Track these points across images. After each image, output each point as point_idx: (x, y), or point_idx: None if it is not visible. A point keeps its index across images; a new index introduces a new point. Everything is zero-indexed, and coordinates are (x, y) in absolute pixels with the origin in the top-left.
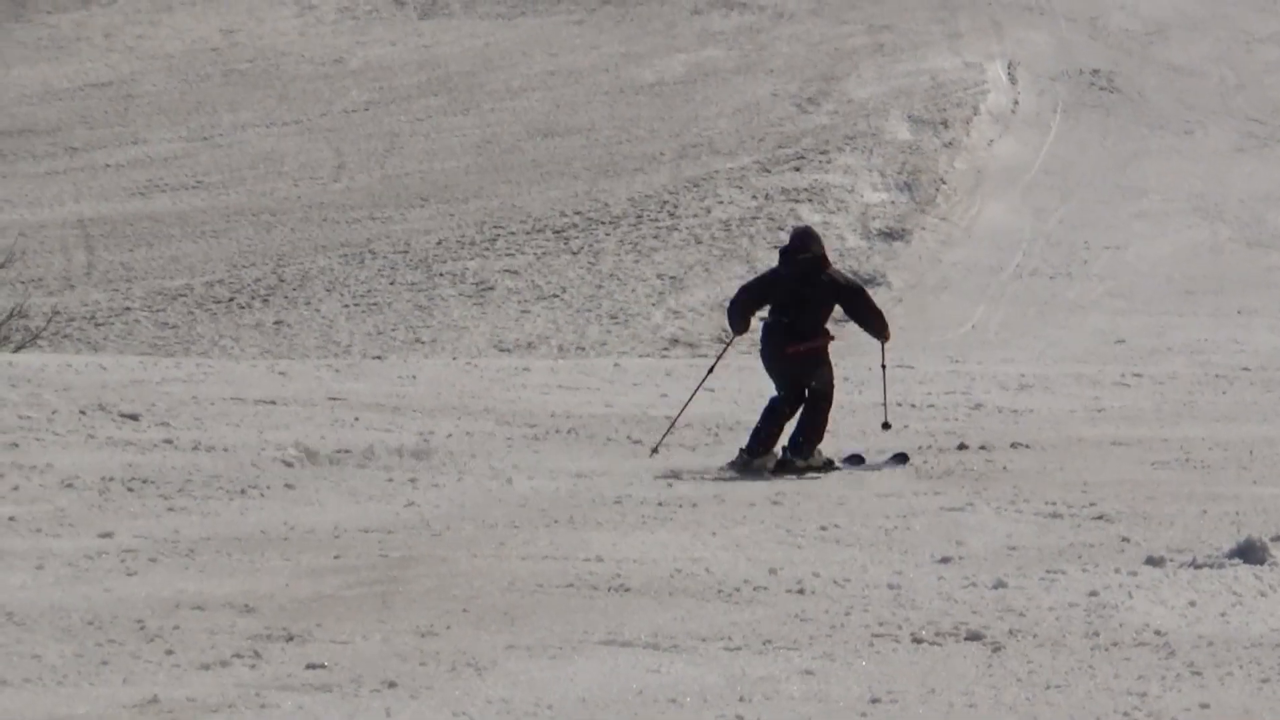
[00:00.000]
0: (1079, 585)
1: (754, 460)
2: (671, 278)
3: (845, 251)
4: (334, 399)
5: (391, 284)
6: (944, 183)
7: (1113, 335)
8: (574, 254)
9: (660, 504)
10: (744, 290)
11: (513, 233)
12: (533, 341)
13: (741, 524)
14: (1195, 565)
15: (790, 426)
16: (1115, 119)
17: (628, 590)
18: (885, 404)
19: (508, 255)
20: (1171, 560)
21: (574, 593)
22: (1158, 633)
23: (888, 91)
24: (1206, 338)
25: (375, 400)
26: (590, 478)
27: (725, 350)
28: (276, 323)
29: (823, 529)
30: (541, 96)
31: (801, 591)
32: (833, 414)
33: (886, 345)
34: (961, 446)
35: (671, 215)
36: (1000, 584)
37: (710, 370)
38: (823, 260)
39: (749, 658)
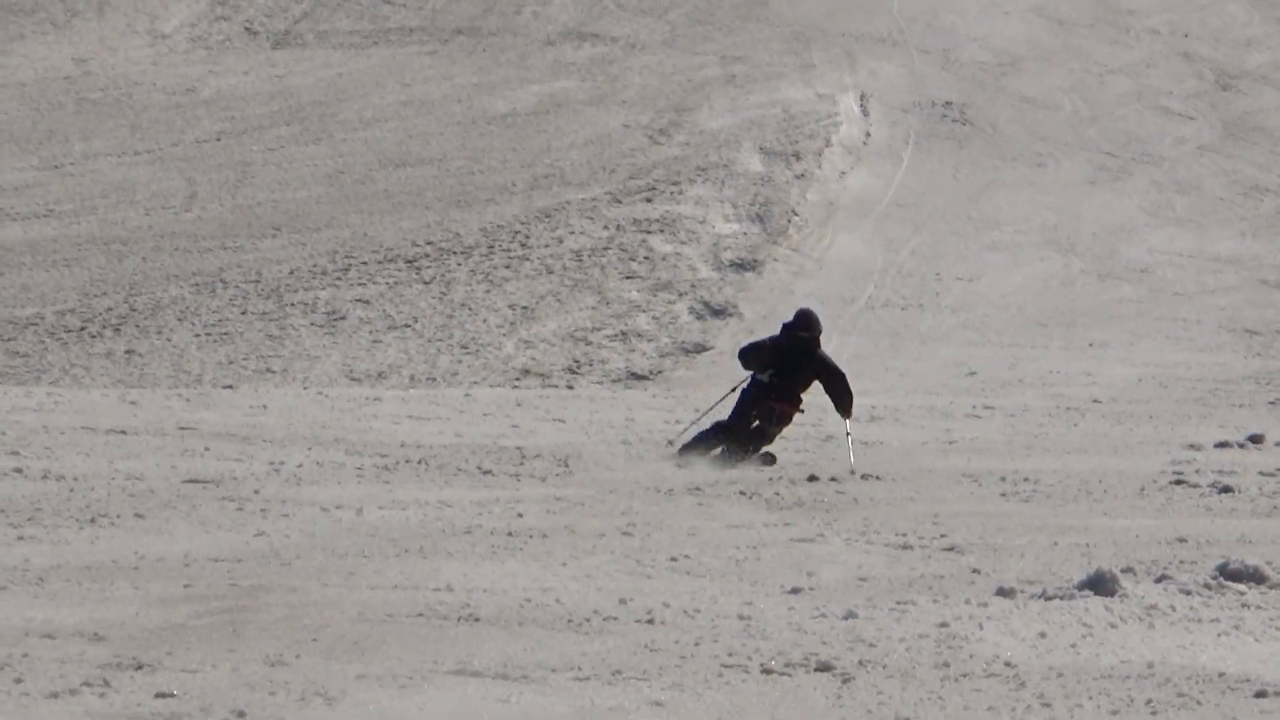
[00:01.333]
0: (929, 616)
1: (688, 455)
2: (523, 308)
3: (697, 282)
4: (184, 428)
5: (243, 313)
6: (796, 214)
7: (964, 367)
8: (426, 284)
9: (510, 534)
10: (756, 345)
11: (364, 262)
12: (384, 371)
13: (592, 554)
14: (1045, 597)
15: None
16: (967, 151)
17: (478, 620)
18: (850, 456)
19: (359, 285)
20: (1022, 592)
21: (424, 622)
22: (1008, 664)
23: (740, 123)
24: (1058, 370)
25: (226, 430)
26: (441, 508)
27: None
28: (128, 352)
29: (673, 560)
30: (394, 126)
31: (651, 622)
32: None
33: (848, 420)
34: (812, 478)
35: (523, 245)
36: (850, 615)
37: (722, 399)
38: (816, 342)
39: (598, 688)
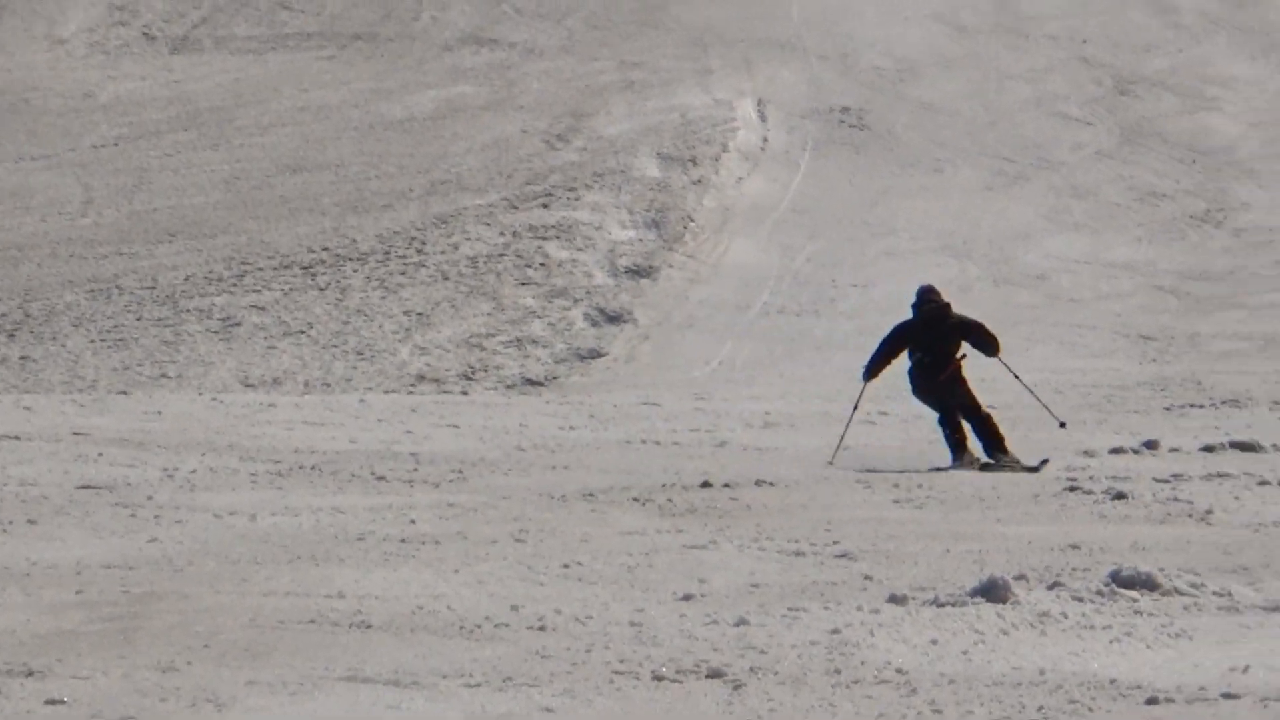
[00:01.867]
0: (821, 623)
1: (963, 462)
2: (419, 314)
3: (592, 289)
4: (78, 434)
5: (138, 319)
6: (692, 220)
7: (859, 373)
8: (321, 290)
9: (403, 540)
10: (897, 334)
11: (260, 269)
12: (279, 377)
13: (484, 561)
14: (938, 603)
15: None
16: (865, 157)
17: (369, 627)
18: (1043, 404)
19: (255, 291)
20: (914, 598)
21: (316, 629)
22: (899, 671)
23: (637, 129)
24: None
25: (120, 436)
26: (334, 514)
27: (861, 395)
28: (22, 358)
29: (565, 566)
30: (291, 132)
31: (543, 628)
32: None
33: (1000, 356)
34: (706, 484)
35: (419, 252)
36: (742, 621)
37: (855, 407)
38: (948, 307)
39: (489, 695)
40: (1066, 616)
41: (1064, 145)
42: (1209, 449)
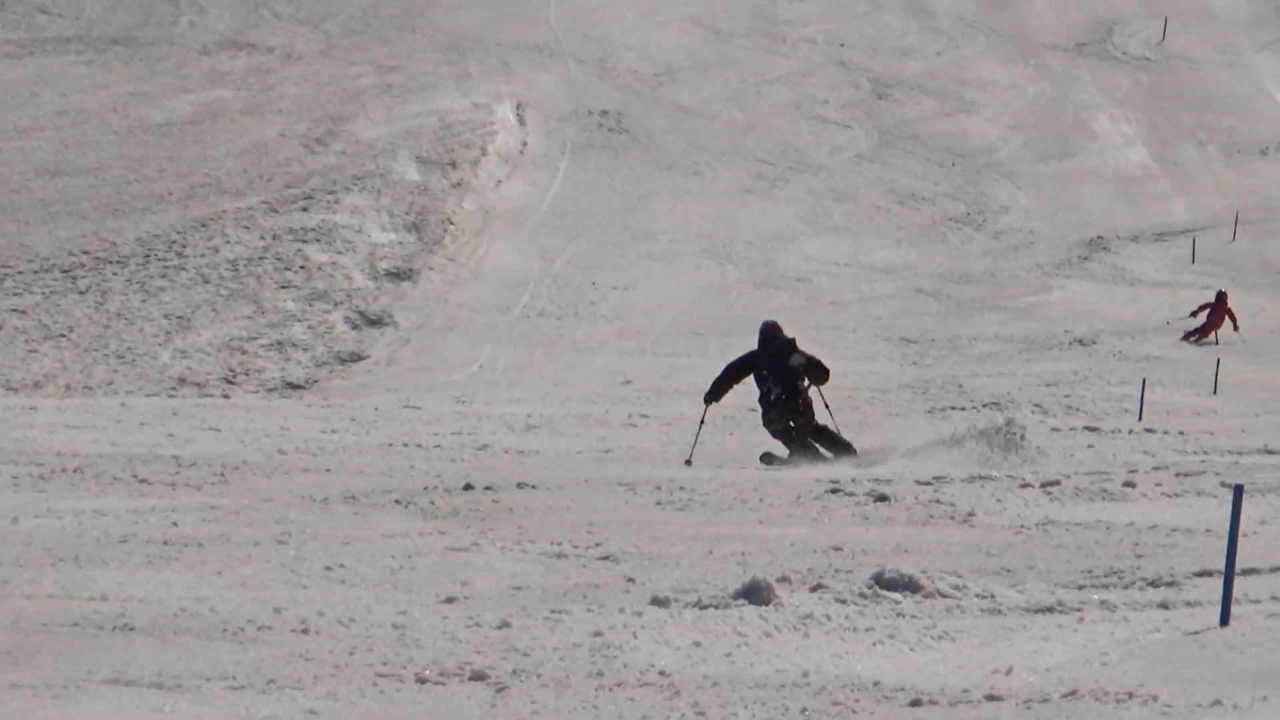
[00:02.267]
0: (584, 625)
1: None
2: (179, 317)
3: (353, 292)
4: None
5: None
6: (452, 223)
7: (620, 376)
8: (81, 293)
9: (166, 543)
10: (740, 364)
11: (20, 272)
12: (39, 380)
13: (247, 563)
14: (701, 606)
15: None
16: (624, 160)
17: (132, 629)
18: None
19: (15, 295)
20: (677, 601)
21: (79, 632)
22: (662, 673)
23: (396, 132)
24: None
25: None
26: (96, 517)
27: (705, 414)
28: None
29: (328, 569)
30: (50, 136)
31: (306, 631)
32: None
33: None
34: (468, 487)
35: (179, 255)
36: (505, 624)
37: (701, 423)
38: (793, 343)
39: (252, 697)
40: (829, 619)
41: (823, 148)
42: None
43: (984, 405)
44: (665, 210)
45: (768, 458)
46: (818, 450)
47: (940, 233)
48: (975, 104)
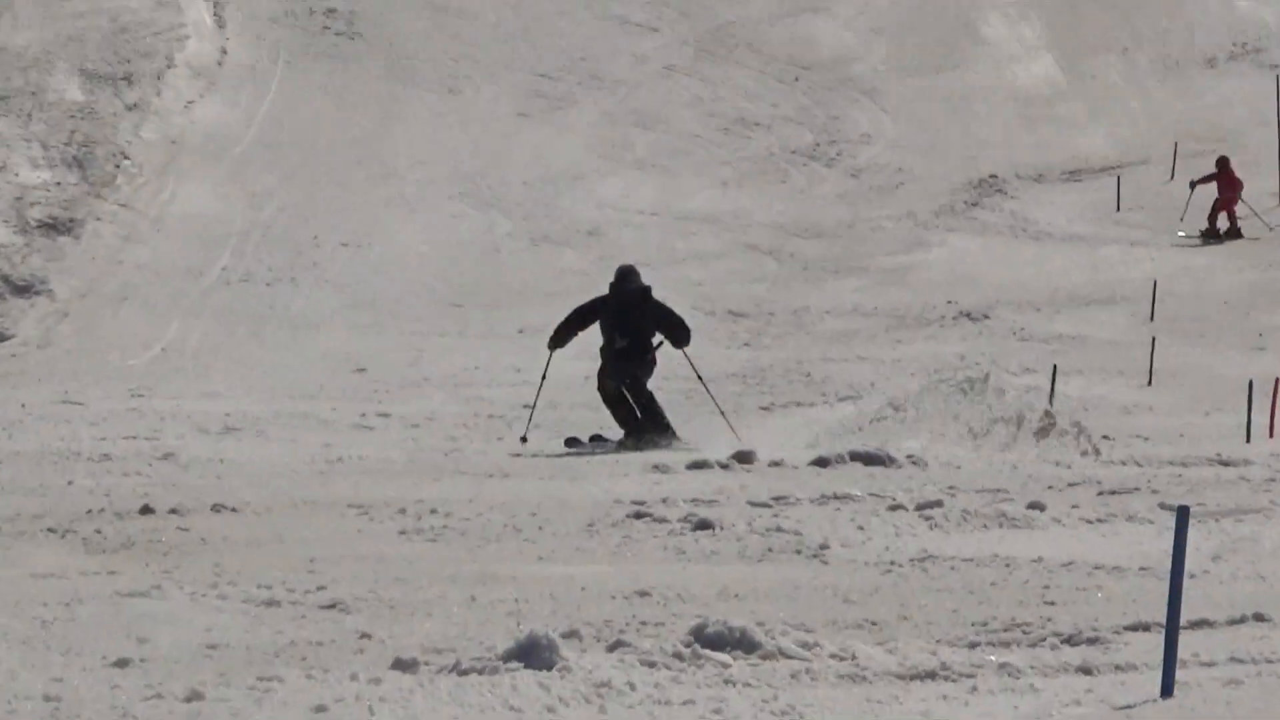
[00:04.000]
0: (302, 697)
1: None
2: None
3: None
4: None
5: None
6: (126, 158)
7: (351, 361)
8: None
9: None
10: (586, 309)
11: None
12: None
13: None
14: (460, 671)
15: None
16: (357, 73)
17: None
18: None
19: None
20: (428, 664)
21: None
22: None
23: (53, 37)
24: (477, 365)
25: None
26: None
27: (547, 364)
28: None
29: None
30: None
31: None
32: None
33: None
34: (146, 510)
35: None
36: (195, 695)
37: (543, 377)
38: (647, 292)
39: None
40: (634, 688)
41: (622, 58)
42: (822, 463)
43: (838, 400)
44: (411, 140)
45: (573, 442)
46: (649, 426)
47: (780, 170)
48: (825, 1)
